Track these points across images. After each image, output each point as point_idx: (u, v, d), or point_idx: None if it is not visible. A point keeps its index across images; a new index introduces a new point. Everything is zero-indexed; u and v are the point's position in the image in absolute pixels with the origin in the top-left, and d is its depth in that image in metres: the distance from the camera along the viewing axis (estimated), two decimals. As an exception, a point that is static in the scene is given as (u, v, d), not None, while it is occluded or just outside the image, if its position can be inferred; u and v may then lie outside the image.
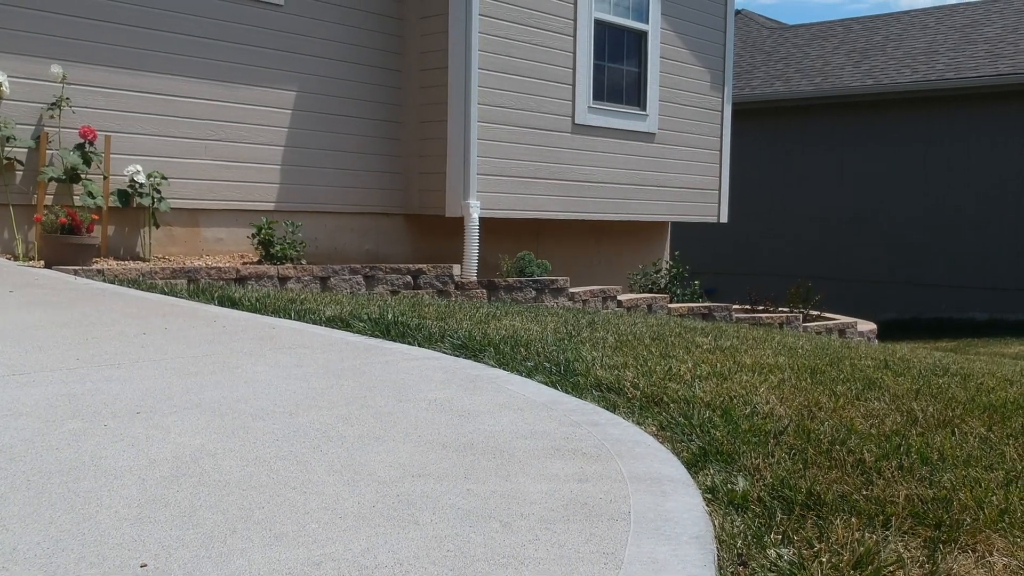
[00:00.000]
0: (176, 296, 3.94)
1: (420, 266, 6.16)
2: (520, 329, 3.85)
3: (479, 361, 3.02)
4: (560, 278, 6.63)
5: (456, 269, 6.31)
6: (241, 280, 5.23)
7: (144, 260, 6.26)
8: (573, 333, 3.94)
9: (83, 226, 4.71)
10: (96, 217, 5.39)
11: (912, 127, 15.42)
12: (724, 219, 10.81)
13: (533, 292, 6.44)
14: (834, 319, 10.01)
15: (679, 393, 2.72)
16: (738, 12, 23.46)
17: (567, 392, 2.66)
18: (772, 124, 16.90)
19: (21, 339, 2.85)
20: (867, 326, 9.56)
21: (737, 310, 10.87)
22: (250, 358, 2.76)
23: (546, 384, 2.72)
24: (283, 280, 5.47)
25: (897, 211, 15.75)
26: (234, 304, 3.73)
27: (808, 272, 16.93)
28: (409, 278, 6.10)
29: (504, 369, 2.90)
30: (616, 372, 2.93)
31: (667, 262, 9.45)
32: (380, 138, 7.86)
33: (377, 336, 3.40)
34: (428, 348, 3.20)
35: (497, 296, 6.31)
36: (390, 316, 3.71)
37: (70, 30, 6.02)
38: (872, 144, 15.85)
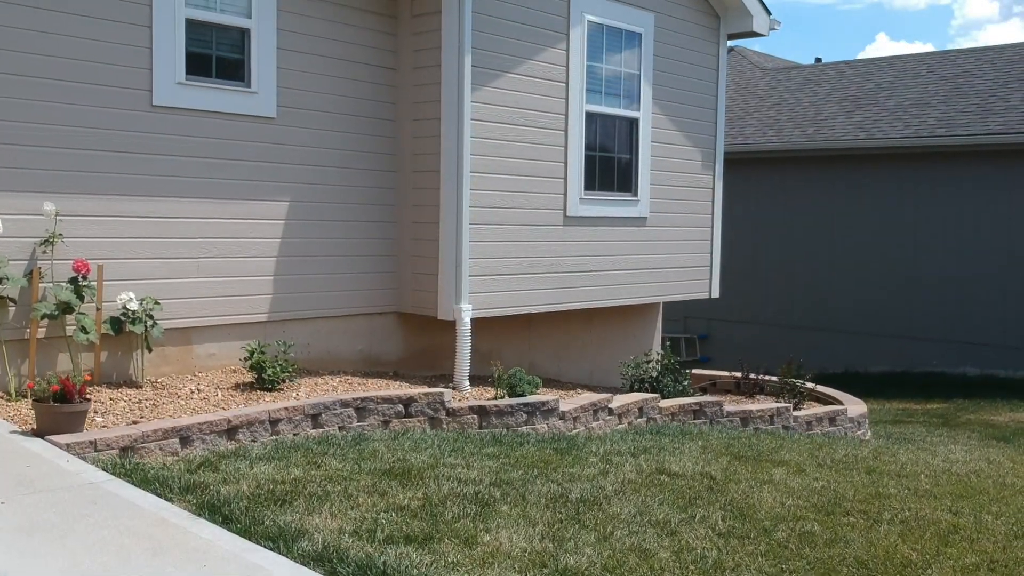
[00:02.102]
0: (169, 501, 3.97)
1: (412, 393, 6.20)
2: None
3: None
4: (550, 398, 6.67)
5: (448, 394, 6.34)
6: (232, 432, 5.26)
7: (138, 386, 6.30)
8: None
9: (75, 391, 4.74)
10: (88, 378, 5.43)
11: (904, 181, 15.51)
12: (716, 294, 10.87)
13: (524, 416, 6.48)
14: (824, 403, 10.07)
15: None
16: (730, 50, 23.59)
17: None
18: (765, 172, 16.97)
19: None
20: (857, 409, 9.62)
21: (729, 390, 10.94)
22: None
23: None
24: (274, 424, 5.50)
25: (888, 263, 15.83)
26: (225, 520, 3.76)
27: (800, 321, 17.04)
28: (400, 407, 6.14)
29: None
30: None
31: (658, 352, 9.51)
32: (374, 239, 7.90)
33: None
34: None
35: (488, 423, 6.35)
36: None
37: (61, 162, 6.05)
38: (865, 196, 15.94)
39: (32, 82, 5.91)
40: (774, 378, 11.16)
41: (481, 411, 6.35)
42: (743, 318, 17.28)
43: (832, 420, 9.11)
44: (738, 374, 11.47)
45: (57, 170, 6.03)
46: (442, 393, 6.29)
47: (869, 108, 16.71)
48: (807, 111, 17.54)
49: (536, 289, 8.48)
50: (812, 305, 16.86)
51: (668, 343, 10.20)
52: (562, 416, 6.67)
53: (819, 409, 9.21)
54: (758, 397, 10.82)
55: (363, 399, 5.97)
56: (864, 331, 16.19)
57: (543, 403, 6.55)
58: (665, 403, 8.03)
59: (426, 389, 6.33)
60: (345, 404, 5.90)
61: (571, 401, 6.99)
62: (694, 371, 12.16)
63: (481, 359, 8.66)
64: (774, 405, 8.79)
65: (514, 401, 6.48)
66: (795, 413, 8.84)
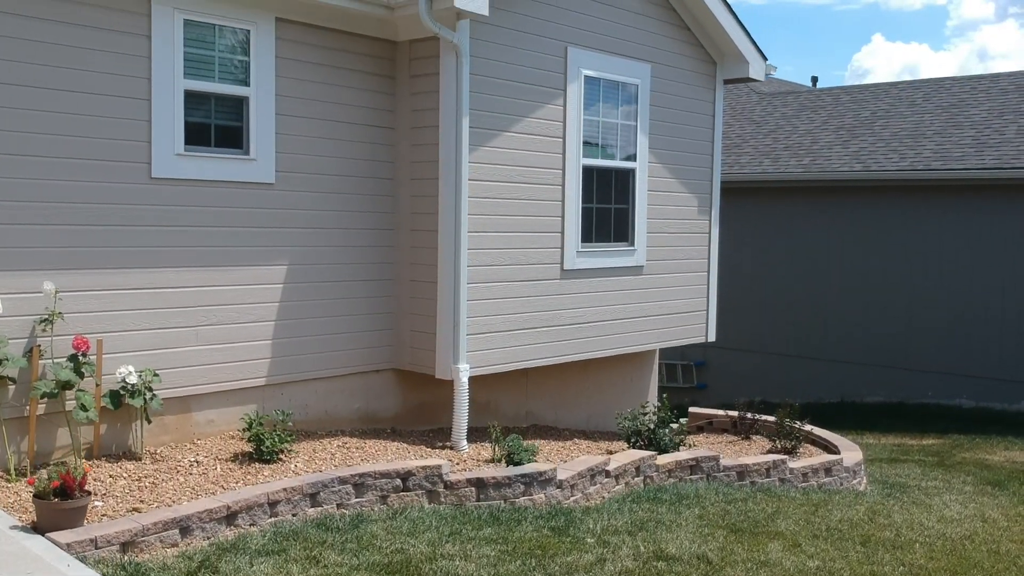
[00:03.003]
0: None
1: (409, 467, 6.22)
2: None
3: None
4: (547, 468, 6.69)
5: (445, 467, 6.37)
6: (231, 517, 5.29)
7: (137, 459, 6.32)
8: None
9: (75, 486, 4.76)
10: (88, 469, 5.45)
11: (900, 212, 15.57)
12: (712, 338, 10.92)
13: (522, 487, 6.50)
14: (820, 447, 10.12)
15: None
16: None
17: None
18: (762, 201, 17.03)
19: None
20: (853, 457, 9.66)
21: (725, 430, 10.99)
22: None
23: None
24: (273, 505, 5.52)
25: (884, 294, 15.89)
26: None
27: (796, 350, 17.09)
28: (398, 481, 6.16)
29: None
30: None
31: (655, 405, 9.54)
32: (372, 297, 7.93)
33: None
34: None
35: (486, 495, 6.37)
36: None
37: (61, 239, 6.08)
38: (861, 226, 16.00)
39: (32, 161, 5.93)
40: (770, 419, 11.21)
41: (479, 484, 6.38)
42: (740, 346, 17.33)
43: (828, 471, 9.14)
44: (734, 413, 11.53)
45: (57, 247, 6.06)
46: (439, 466, 6.32)
47: (865, 137, 16.77)
48: (803, 139, 17.60)
49: (534, 343, 8.51)
50: (808, 333, 16.91)
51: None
52: (559, 485, 6.71)
53: (815, 459, 9.24)
54: (754, 438, 10.87)
55: (361, 475, 6.00)
56: (860, 361, 16.24)
57: (540, 473, 6.58)
58: (662, 460, 8.06)
59: (423, 462, 6.35)
60: (343, 481, 5.93)
61: (568, 467, 7.02)
62: (691, 409, 12.23)
63: (479, 410, 8.70)
64: (770, 458, 8.82)
65: (511, 472, 6.50)
66: (791, 465, 8.87)
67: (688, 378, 18.93)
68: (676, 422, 9.09)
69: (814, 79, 31.38)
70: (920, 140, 15.95)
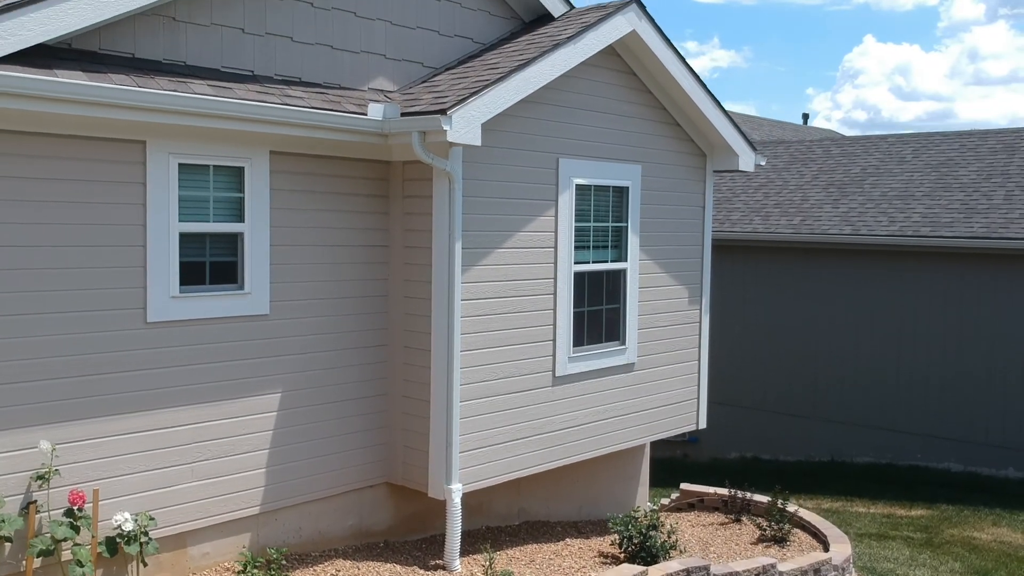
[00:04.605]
0: None
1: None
2: None
3: None
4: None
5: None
6: None
7: (131, 605, 6.38)
8: None
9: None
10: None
11: (890, 275, 15.70)
12: (703, 425, 11.00)
13: (513, 627, 6.58)
14: (811, 538, 10.21)
15: None
16: (719, 114, 23.77)
17: None
18: (753, 259, 17.14)
19: None
20: (842, 552, 9.75)
21: (717, 508, 11.06)
22: None
23: None
24: (268, 669, 5.60)
25: (874, 355, 16.01)
26: None
27: (786, 407, 17.20)
28: (392, 628, 6.23)
29: None
30: None
31: (647, 507, 9.62)
32: (364, 415, 8.00)
33: None
34: None
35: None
36: None
37: (55, 392, 6.13)
38: (851, 288, 16.12)
39: (29, 319, 5.99)
40: (762, 499, 11.32)
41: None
42: (731, 400, 17.43)
43: (817, 572, 9.23)
44: (725, 492, 11.64)
45: (52, 401, 6.11)
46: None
47: (855, 196, 16.91)
48: (793, 195, 17.73)
49: (526, 452, 8.58)
50: (799, 391, 17.02)
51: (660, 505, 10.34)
52: (550, 620, 6.77)
53: (805, 560, 9.33)
54: (745, 520, 10.97)
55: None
56: (850, 420, 16.36)
57: (532, 612, 6.64)
58: (653, 572, 8.13)
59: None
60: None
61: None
62: (683, 486, 12.32)
63: (471, 512, 8.77)
64: (760, 563, 8.90)
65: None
66: (781, 568, 8.96)
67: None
68: (665, 528, 9.16)
69: (805, 116, 31.63)
70: (909, 202, 16.09)
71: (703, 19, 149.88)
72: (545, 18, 9.24)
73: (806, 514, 10.94)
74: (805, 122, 30.27)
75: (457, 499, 7.77)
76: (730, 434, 17.73)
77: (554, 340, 8.79)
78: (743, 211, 17.70)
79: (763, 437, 17.42)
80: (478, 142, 7.44)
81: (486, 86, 7.47)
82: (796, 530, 10.49)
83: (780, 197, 17.83)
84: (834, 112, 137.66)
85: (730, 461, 17.18)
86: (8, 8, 5.45)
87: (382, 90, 8.05)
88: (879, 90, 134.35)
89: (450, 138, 7.20)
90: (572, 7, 9.36)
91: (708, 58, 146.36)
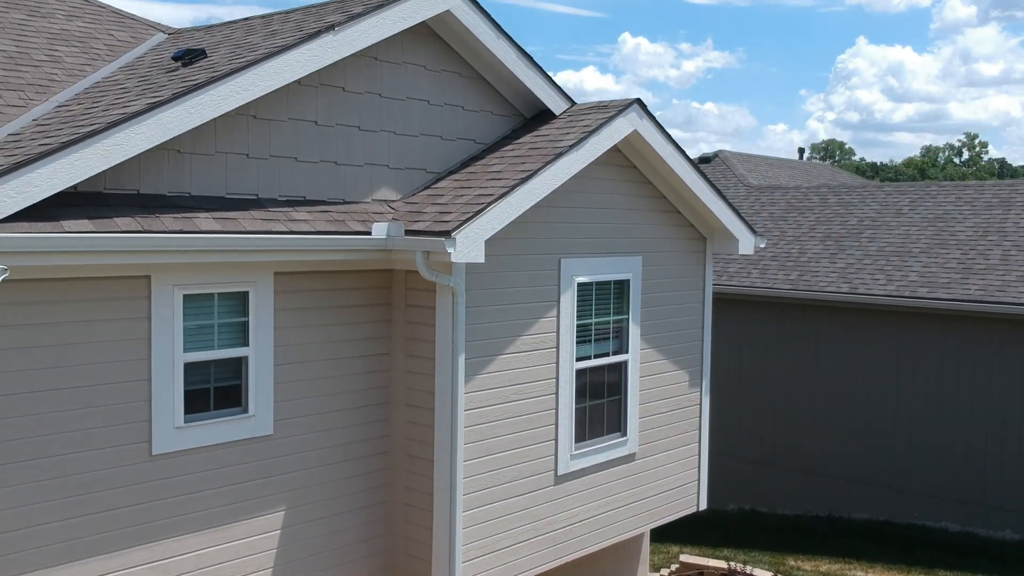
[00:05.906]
0: None
1: None
2: None
3: None
4: None
5: None
6: None
7: None
8: None
9: None
10: None
11: (887, 335, 15.75)
12: (704, 507, 11.01)
13: None
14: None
15: None
16: (716, 155, 23.87)
17: None
18: (750, 313, 17.19)
19: None
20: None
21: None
22: None
23: None
24: None
25: (872, 413, 16.05)
26: None
27: (784, 462, 17.23)
28: None
29: None
30: None
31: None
32: (367, 524, 8.00)
33: None
34: None
35: None
36: None
37: (61, 534, 6.12)
38: (849, 345, 16.17)
39: (31, 464, 5.99)
40: (762, 574, 11.36)
41: None
42: (730, 451, 17.45)
43: (818, 666, 9.26)
44: (724, 566, 11.69)
45: (58, 543, 6.11)
46: None
47: (852, 251, 16.97)
48: (791, 248, 17.78)
49: (529, 554, 8.58)
50: (797, 446, 17.06)
51: None
52: None
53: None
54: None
55: None
56: (848, 477, 16.40)
57: None
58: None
59: None
60: None
61: None
62: (683, 558, 12.37)
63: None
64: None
65: None
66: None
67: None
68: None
69: (800, 150, 31.79)
70: (907, 259, 16.14)
71: (697, 20, 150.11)
72: (545, 114, 9.26)
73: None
74: (801, 156, 30.41)
75: (460, 611, 7.78)
76: (729, 485, 17.71)
77: (556, 439, 8.80)
78: (741, 263, 17.75)
79: (762, 489, 17.45)
80: (481, 259, 7.45)
81: (488, 204, 7.48)
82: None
83: (777, 249, 17.88)
84: (827, 113, 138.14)
85: (729, 514, 17.20)
86: (17, 166, 5.46)
87: (386, 200, 8.07)
88: (872, 91, 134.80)
89: (454, 259, 7.22)
90: (572, 103, 9.39)
91: (702, 59, 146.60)
